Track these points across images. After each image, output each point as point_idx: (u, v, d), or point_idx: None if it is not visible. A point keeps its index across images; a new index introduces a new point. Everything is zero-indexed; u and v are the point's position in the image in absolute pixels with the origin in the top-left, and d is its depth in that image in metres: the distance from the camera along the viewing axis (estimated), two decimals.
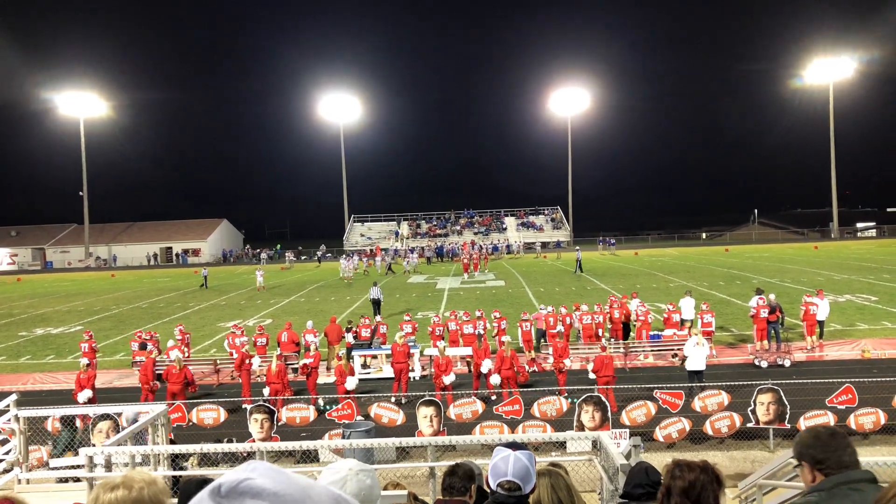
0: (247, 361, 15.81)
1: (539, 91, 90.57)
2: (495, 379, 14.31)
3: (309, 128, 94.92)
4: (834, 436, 2.52)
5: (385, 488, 4.98)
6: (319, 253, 71.29)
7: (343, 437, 11.31)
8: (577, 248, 49.79)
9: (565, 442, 11.38)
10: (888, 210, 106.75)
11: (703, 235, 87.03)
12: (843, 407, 11.75)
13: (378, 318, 21.52)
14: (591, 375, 14.06)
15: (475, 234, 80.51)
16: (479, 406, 12.64)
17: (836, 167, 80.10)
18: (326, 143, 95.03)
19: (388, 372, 16.70)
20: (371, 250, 68.67)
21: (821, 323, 18.72)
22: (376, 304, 26.43)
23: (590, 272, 43.25)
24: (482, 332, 18.23)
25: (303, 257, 75.05)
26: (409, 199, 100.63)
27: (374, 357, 17.92)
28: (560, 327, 17.97)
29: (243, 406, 14.13)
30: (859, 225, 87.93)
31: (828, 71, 77.65)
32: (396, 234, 79.83)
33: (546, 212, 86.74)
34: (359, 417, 12.62)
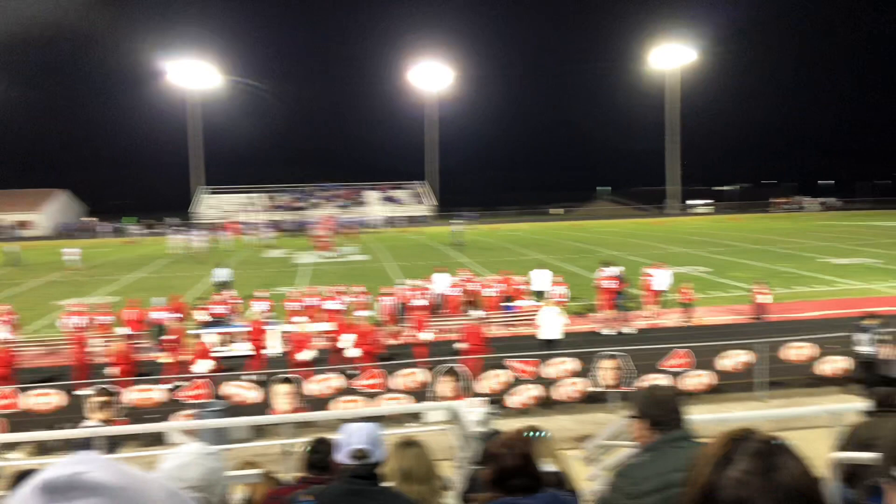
0: (84, 342, 14.76)
1: (402, 65, 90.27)
2: (355, 353, 14.29)
3: (156, 94, 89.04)
4: (666, 396, 2.71)
5: (238, 468, 4.85)
6: (171, 226, 67.62)
7: (196, 418, 10.88)
8: (458, 220, 50.23)
9: (424, 413, 11.57)
10: (717, 188, 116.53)
11: (557, 211, 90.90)
12: (676, 370, 12.78)
13: (233, 292, 20.77)
14: (458, 346, 14.37)
15: (336, 207, 79.52)
16: (339, 381, 12.57)
17: (676, 148, 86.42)
18: (178, 110, 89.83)
19: (244, 349, 16.21)
20: (223, 224, 65.97)
21: (660, 293, 20.22)
22: (223, 286, 24.05)
23: (451, 246, 44.07)
24: (343, 306, 18.10)
25: (149, 230, 70.84)
26: (266, 171, 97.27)
27: (230, 334, 17.31)
28: (421, 300, 18.19)
29: (80, 390, 13.19)
30: (693, 202, 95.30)
31: (668, 57, 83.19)
32: (252, 207, 77.26)
33: (409, 186, 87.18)
34: (213, 398, 12.18)
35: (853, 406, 6.33)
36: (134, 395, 12.09)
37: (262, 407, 11.66)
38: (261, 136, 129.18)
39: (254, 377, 14.09)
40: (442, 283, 20.63)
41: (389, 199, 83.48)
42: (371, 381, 12.47)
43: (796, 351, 13.30)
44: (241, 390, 12.26)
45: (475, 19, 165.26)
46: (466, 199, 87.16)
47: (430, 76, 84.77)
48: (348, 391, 12.44)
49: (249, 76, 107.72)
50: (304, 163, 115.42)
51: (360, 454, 2.99)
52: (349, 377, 13.13)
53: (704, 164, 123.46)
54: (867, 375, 12.68)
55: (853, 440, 4.30)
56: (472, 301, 19.81)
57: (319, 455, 4.00)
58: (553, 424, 11.77)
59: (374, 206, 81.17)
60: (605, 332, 18.10)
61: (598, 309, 19.35)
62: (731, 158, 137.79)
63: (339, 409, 11.61)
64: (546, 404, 12.63)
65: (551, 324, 14.99)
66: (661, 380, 12.46)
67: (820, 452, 4.21)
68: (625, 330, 18.17)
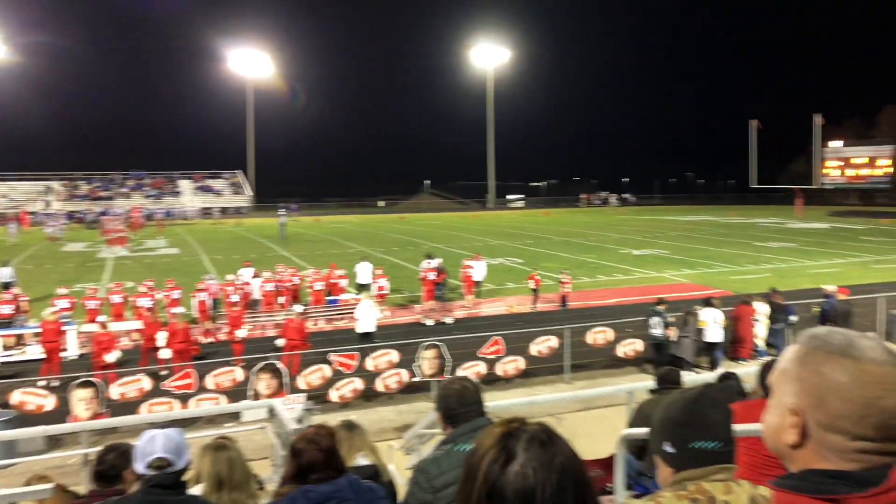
0: None
1: (219, 48, 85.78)
2: (166, 353, 13.47)
3: None
4: (463, 388, 2.77)
5: (28, 482, 4.39)
6: None
7: None
8: (282, 212, 48.46)
9: (240, 412, 11.15)
10: (532, 184, 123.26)
11: (381, 203, 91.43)
12: (492, 357, 13.35)
13: (18, 291, 18.69)
14: (279, 342, 13.98)
15: (146, 197, 74.22)
16: (147, 383, 11.77)
17: (492, 145, 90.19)
18: None
19: (35, 353, 14.68)
20: (13, 215, 59.26)
21: (478, 283, 21.02)
22: (6, 286, 20.95)
23: (270, 238, 42.82)
24: (152, 303, 16.95)
25: None
26: (65, 156, 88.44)
27: (18, 337, 15.60)
28: (236, 296, 17.47)
29: None
30: (510, 196, 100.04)
31: (486, 56, 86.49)
32: (48, 196, 70.07)
33: (226, 176, 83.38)
34: None
35: (644, 385, 6.97)
36: None
37: (61, 415, 10.64)
38: (59, 118, 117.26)
39: (49, 382, 12.84)
40: (249, 277, 20.03)
41: (204, 189, 79.30)
42: (183, 382, 11.80)
43: (598, 335, 14.39)
44: (34, 397, 11.09)
45: (297, 7, 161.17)
46: (286, 189, 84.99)
47: (249, 62, 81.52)
48: (158, 393, 11.68)
49: (36, 50, 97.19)
50: (108, 148, 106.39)
51: (160, 463, 2.80)
52: (159, 378, 12.34)
53: (520, 160, 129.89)
54: (657, 356, 14.05)
55: (640, 416, 4.73)
56: (295, 295, 19.41)
57: (107, 465, 3.69)
58: (375, 416, 11.85)
59: (188, 196, 76.74)
60: (426, 322, 18.49)
61: (422, 300, 19.73)
62: (542, 156, 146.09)
63: (148, 412, 10.86)
64: (368, 397, 12.67)
65: (366, 317, 15.07)
66: (477, 366, 12.98)
67: (618, 428, 4.58)
68: (444, 319, 18.69)
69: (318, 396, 12.03)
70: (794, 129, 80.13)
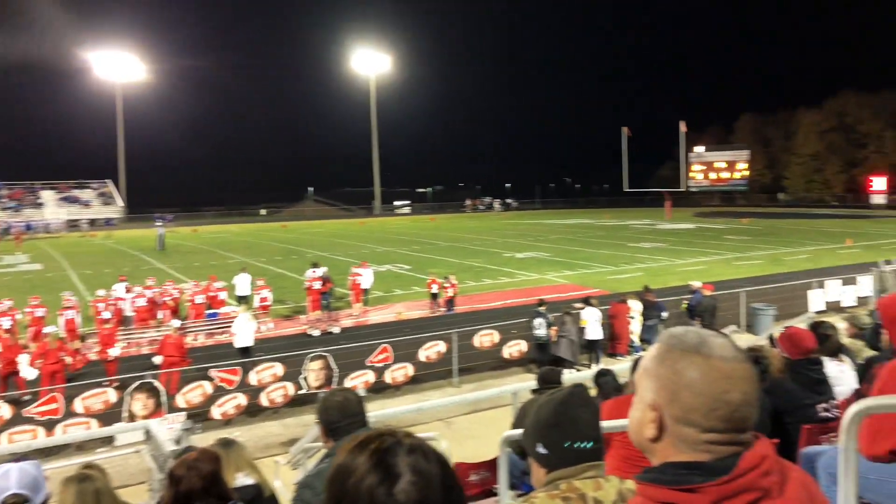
0: None
1: (78, 48, 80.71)
2: (31, 374, 12.50)
3: None
4: (345, 400, 2.74)
5: None
6: None
7: None
8: (158, 222, 45.88)
9: (114, 436, 10.53)
10: (418, 190, 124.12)
11: (263, 211, 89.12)
12: (380, 365, 13.29)
13: None
14: (156, 360, 13.26)
15: (2, 210, 68.65)
16: (6, 411, 10.88)
17: (378, 151, 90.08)
18: None
19: None
20: None
21: (365, 291, 20.88)
22: None
23: (144, 250, 40.73)
24: (11, 323, 15.69)
25: None
26: None
27: None
28: (107, 313, 16.49)
29: None
30: (396, 203, 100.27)
31: (368, 64, 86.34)
32: None
33: (94, 185, 78.55)
34: None
35: (527, 385, 7.16)
36: None
37: None
38: None
39: None
40: (124, 292, 19.03)
41: (70, 200, 74.33)
42: (48, 407, 10.97)
43: (484, 338, 14.66)
44: None
45: (170, 8, 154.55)
46: (161, 199, 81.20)
47: (117, 65, 77.24)
48: (20, 421, 10.81)
49: None
50: None
51: (15, 500, 2.58)
52: (20, 405, 11.42)
53: (406, 166, 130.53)
54: (540, 355, 14.48)
55: (522, 416, 4.86)
56: (173, 310, 18.55)
57: None
58: (260, 432, 11.52)
59: (52, 207, 71.65)
60: (312, 332, 18.17)
61: (308, 310, 19.36)
62: (428, 162, 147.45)
63: (7, 443, 10.02)
64: (252, 412, 12.28)
65: (244, 331, 14.63)
66: (366, 375, 12.89)
67: (504, 428, 4.68)
68: (331, 329, 18.43)
69: (199, 414, 11.56)
70: (663, 135, 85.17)
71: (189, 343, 16.08)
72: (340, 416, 2.64)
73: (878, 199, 56.82)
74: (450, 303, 20.22)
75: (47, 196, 73.89)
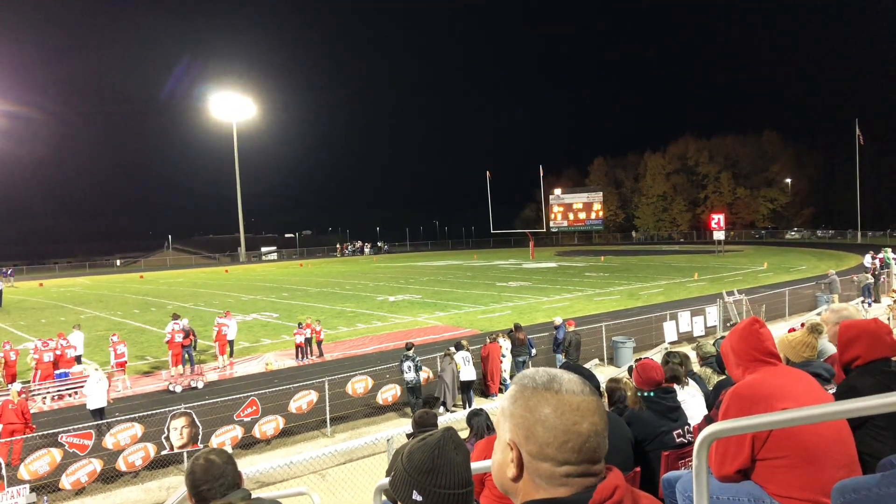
0: None
1: None
2: None
3: None
4: (209, 463, 2.62)
5: None
6: None
7: None
8: None
9: None
10: (286, 235, 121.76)
11: (118, 262, 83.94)
12: (249, 419, 12.75)
13: None
14: None
15: None
16: None
17: (242, 197, 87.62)
18: None
19: None
20: None
21: (231, 342, 20.05)
22: None
23: None
24: None
25: None
26: None
27: None
28: None
29: None
30: (263, 249, 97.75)
31: (231, 109, 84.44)
32: None
33: None
34: None
35: (401, 430, 7.12)
36: None
37: None
38: None
39: None
40: None
41: None
42: None
43: (357, 384, 14.46)
44: None
45: (28, 44, 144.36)
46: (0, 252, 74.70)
47: None
48: None
49: None
50: None
51: None
52: None
53: (272, 212, 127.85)
54: (412, 399, 14.46)
55: (395, 462, 4.82)
56: (12, 373, 16.95)
57: None
58: (118, 498, 10.70)
59: None
60: (175, 388, 17.16)
61: (169, 364, 18.31)
62: (295, 208, 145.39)
63: None
64: (109, 478, 11.36)
65: (96, 391, 13.61)
66: (233, 430, 12.31)
67: (380, 475, 4.61)
68: (194, 384, 17.51)
69: (46, 486, 10.55)
70: (524, 178, 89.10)
71: (37, 407, 14.76)
72: (204, 480, 2.53)
73: (718, 235, 62.32)
74: (318, 345, 19.92)
75: None
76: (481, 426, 6.01)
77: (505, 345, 16.31)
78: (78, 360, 18.49)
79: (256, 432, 12.65)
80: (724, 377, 5.88)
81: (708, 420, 4.14)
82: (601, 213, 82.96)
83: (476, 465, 2.76)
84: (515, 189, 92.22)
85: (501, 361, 16.05)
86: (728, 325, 20.61)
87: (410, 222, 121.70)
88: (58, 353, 17.86)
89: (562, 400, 1.29)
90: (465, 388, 15.03)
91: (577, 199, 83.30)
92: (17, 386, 13.45)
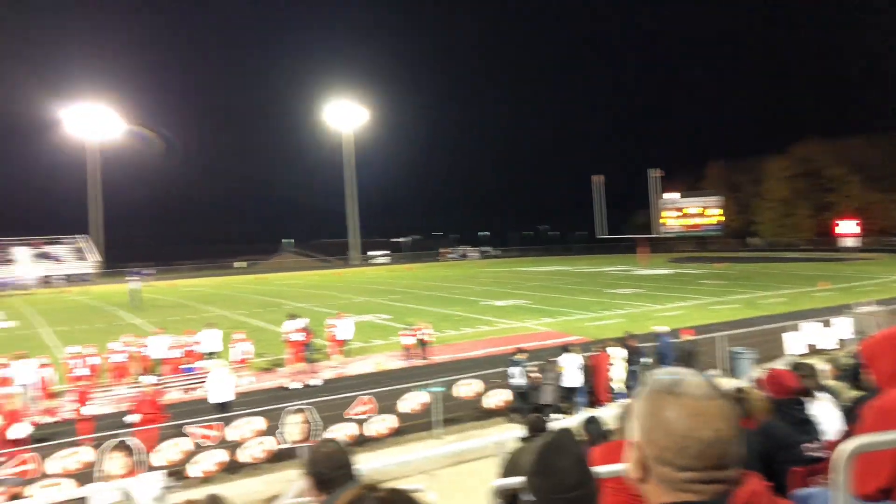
0: None
1: (56, 109, 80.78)
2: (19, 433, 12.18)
3: None
4: (335, 451, 2.71)
5: None
6: None
7: None
8: (131, 277, 45.08)
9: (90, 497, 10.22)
10: (394, 240, 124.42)
11: (240, 264, 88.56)
12: (362, 417, 13.12)
13: None
14: (129, 419, 12.87)
15: None
16: None
17: (355, 202, 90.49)
18: None
19: None
20: None
21: (345, 342, 20.71)
22: None
23: (120, 305, 40.14)
24: None
25: None
26: None
27: None
28: (82, 369, 16.17)
29: None
30: (372, 253, 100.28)
31: (343, 115, 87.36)
32: None
33: (67, 241, 77.67)
34: None
35: (513, 434, 7.12)
36: None
37: None
38: None
39: None
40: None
41: (44, 256, 73.34)
42: (22, 468, 10.65)
43: (466, 388, 14.56)
44: None
45: (145, 62, 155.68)
46: (136, 254, 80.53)
47: (90, 123, 77.29)
48: None
49: None
50: None
51: None
52: None
53: (382, 216, 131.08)
54: (521, 404, 14.40)
55: (510, 466, 4.82)
56: (146, 366, 18.23)
57: None
58: (240, 489, 11.24)
59: (26, 263, 70.58)
60: (291, 385, 17.92)
61: (287, 363, 19.13)
62: (404, 212, 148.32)
63: None
64: (233, 468, 12.01)
65: (220, 386, 14.37)
66: (346, 428, 12.70)
67: (489, 479, 4.63)
68: (311, 382, 18.20)
69: (177, 472, 11.28)
70: (635, 182, 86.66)
71: (166, 399, 15.78)
72: (329, 469, 2.61)
73: (849, 242, 58.17)
74: (421, 348, 20.26)
75: (20, 253, 72.78)
76: (595, 433, 5.92)
77: (616, 353, 15.94)
78: (211, 355, 19.59)
79: (369, 430, 12.99)
80: (862, 393, 5.50)
81: (846, 435, 3.89)
82: (721, 218, 79.54)
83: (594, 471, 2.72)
84: (625, 193, 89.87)
85: (610, 370, 15.71)
86: (861, 338, 19.24)
87: (517, 227, 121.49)
88: (187, 349, 19.08)
89: (683, 404, 1.26)
90: (571, 393, 14.82)
91: (692, 204, 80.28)
92: (150, 378, 14.47)
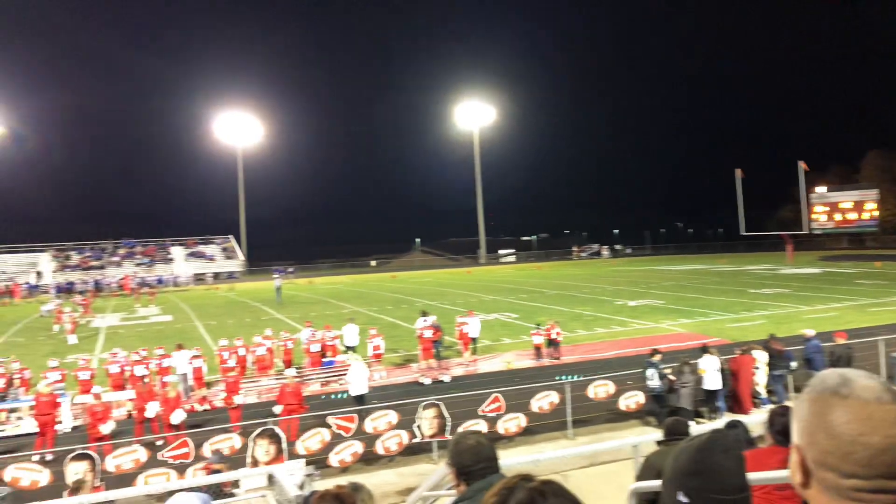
0: None
1: (203, 113, 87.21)
2: (179, 418, 13.33)
3: None
4: (478, 444, 2.73)
5: None
6: None
7: None
8: (276, 275, 48.09)
9: (238, 481, 10.91)
10: (523, 238, 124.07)
11: (373, 263, 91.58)
12: (493, 414, 13.18)
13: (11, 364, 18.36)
14: (276, 409, 13.65)
15: (137, 265, 74.10)
16: (143, 454, 11.53)
17: (483, 202, 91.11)
18: None
19: (29, 426, 14.41)
20: (6, 288, 58.98)
21: (474, 340, 20.90)
22: None
23: (264, 301, 42.66)
24: (147, 372, 16.76)
25: None
26: (55, 227, 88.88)
27: (12, 411, 15.36)
28: (232, 361, 17.32)
29: None
30: (501, 251, 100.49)
31: (471, 115, 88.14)
32: (39, 267, 69.86)
33: (217, 241, 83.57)
34: None
35: (649, 437, 6.89)
36: None
37: (57, 489, 10.37)
38: (49, 190, 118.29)
39: (43, 456, 12.55)
40: (310, 336, 20.09)
41: (196, 255, 79.33)
42: (180, 451, 11.57)
43: (599, 389, 14.26)
44: (29, 473, 10.83)
45: (287, 72, 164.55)
46: (277, 253, 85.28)
47: (237, 127, 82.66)
48: (155, 464, 11.44)
49: (35, 122, 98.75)
50: (99, 218, 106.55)
51: None
52: (155, 449, 12.10)
53: (510, 215, 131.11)
54: (657, 407, 13.91)
55: (649, 469, 4.66)
56: (289, 359, 19.25)
57: None
58: (376, 480, 11.61)
59: (180, 262, 76.66)
60: (423, 381, 18.30)
61: (419, 358, 19.58)
62: (532, 210, 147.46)
63: (145, 484, 10.61)
64: (368, 460, 12.43)
65: (358, 379, 14.89)
66: (478, 425, 12.79)
67: (625, 483, 4.51)
68: (441, 378, 18.50)
69: (317, 461, 11.81)
70: (780, 176, 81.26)
71: (307, 391, 16.59)
72: (474, 460, 2.63)
73: None
74: (554, 348, 20.04)
75: (176, 252, 79.16)
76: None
77: (759, 357, 15.05)
78: (350, 350, 20.45)
79: (500, 428, 13.02)
80: None
81: None
82: (876, 214, 73.02)
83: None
84: (770, 188, 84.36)
85: (754, 374, 14.84)
86: None
87: (651, 224, 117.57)
88: (327, 343, 19.98)
89: (850, 407, 1.15)
90: (710, 397, 14.13)
91: (846, 198, 74.16)
92: (291, 371, 15.25)
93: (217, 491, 8.03)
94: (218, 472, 8.70)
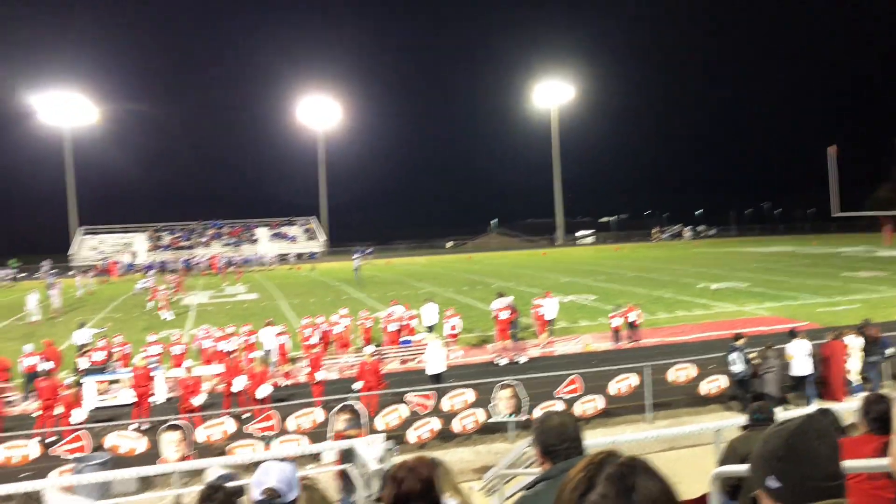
0: None
1: (286, 98, 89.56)
2: (264, 392, 13.89)
3: (29, 131, 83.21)
4: (563, 423, 2.74)
5: None
6: (45, 270, 62.88)
7: (75, 473, 10.12)
8: (356, 256, 49.14)
9: (321, 453, 11.27)
10: (601, 219, 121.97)
11: (448, 244, 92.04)
12: (569, 396, 13.11)
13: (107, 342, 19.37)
14: (356, 385, 14.00)
15: (224, 245, 77.02)
16: (231, 425, 12.07)
17: (561, 182, 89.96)
18: (45, 145, 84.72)
19: (127, 398, 15.30)
20: (104, 266, 62.41)
21: (550, 321, 20.77)
22: (84, 348, 18.93)
23: (344, 281, 43.62)
24: (234, 347, 17.48)
25: (22, 274, 65.58)
26: (147, 209, 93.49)
27: (112, 382, 16.32)
28: (315, 338, 17.84)
29: None
30: (579, 233, 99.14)
31: (550, 95, 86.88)
32: (134, 248, 73.61)
33: (300, 222, 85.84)
34: (93, 450, 11.37)
35: (732, 422, 6.72)
36: (1, 452, 11.10)
37: (151, 457, 11.02)
38: (143, 174, 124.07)
39: (140, 426, 13.32)
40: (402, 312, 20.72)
41: (280, 236, 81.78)
42: (265, 424, 12.05)
43: (679, 372, 13.96)
44: (127, 441, 11.53)
45: (365, 56, 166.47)
46: (357, 234, 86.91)
47: (319, 111, 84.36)
48: (242, 435, 11.96)
49: (128, 110, 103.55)
50: (191, 200, 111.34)
51: (270, 493, 2.89)
52: (242, 421, 12.64)
53: (588, 196, 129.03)
54: (740, 392, 13.51)
55: (732, 454, 4.56)
56: (367, 337, 19.67)
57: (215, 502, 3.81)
58: (453, 457, 11.78)
59: (265, 242, 79.20)
60: (499, 361, 18.36)
61: (495, 339, 19.63)
62: (611, 191, 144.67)
63: (231, 455, 11.13)
64: (445, 437, 12.62)
65: (435, 358, 15.06)
66: (554, 406, 12.76)
67: (705, 467, 4.43)
68: (518, 359, 18.51)
69: (395, 437, 12.06)
70: (876, 153, 76.81)
71: (385, 368, 16.92)
72: (559, 440, 2.65)
73: None
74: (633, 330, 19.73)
75: (261, 233, 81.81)
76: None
77: (853, 342, 14.37)
78: (430, 329, 20.72)
79: (577, 410, 12.95)
80: None
81: None
82: None
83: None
84: (866, 166, 79.86)
85: (846, 361, 14.18)
86: None
87: (735, 205, 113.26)
88: (403, 322, 20.30)
89: None
90: (799, 382, 13.61)
91: None
92: (370, 349, 15.58)
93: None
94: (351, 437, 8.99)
